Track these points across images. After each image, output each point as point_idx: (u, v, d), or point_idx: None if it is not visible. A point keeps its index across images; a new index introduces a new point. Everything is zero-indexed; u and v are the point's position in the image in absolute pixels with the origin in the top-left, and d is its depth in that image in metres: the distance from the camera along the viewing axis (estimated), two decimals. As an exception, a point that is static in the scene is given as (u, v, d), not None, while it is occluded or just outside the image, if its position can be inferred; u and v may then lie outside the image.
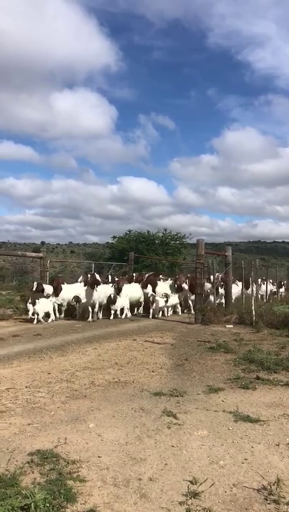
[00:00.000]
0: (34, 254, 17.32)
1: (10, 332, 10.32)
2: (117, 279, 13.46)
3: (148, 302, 14.32)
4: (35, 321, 12.06)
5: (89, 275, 13.18)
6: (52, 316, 12.63)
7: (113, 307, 13.19)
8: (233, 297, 14.76)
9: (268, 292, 17.09)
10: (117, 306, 13.25)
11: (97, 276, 12.90)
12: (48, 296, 12.91)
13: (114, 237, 29.74)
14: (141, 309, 15.04)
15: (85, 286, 12.96)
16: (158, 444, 3.80)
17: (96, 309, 13.09)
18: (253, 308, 11.78)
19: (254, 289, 14.36)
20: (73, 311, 13.55)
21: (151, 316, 13.55)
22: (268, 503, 2.86)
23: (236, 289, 15.32)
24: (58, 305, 13.22)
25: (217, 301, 14.18)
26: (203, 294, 13.21)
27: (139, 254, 23.10)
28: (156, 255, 26.20)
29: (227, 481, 3.14)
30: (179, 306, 15.02)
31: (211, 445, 3.79)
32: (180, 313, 14.96)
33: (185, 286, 14.73)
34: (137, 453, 3.60)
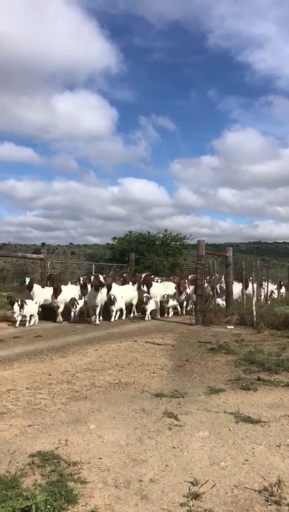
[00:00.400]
0: (35, 256, 17.31)
1: (10, 333, 10.33)
2: (103, 278, 12.92)
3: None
4: (18, 323, 11.54)
5: (92, 277, 12.92)
6: (36, 318, 12.19)
7: (112, 308, 13.04)
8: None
9: (267, 293, 17.06)
10: (116, 307, 13.10)
11: (101, 278, 12.64)
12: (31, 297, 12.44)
13: (114, 238, 29.75)
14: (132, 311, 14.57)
15: (81, 288, 12.72)
16: (159, 445, 3.79)
17: (98, 311, 12.76)
18: (253, 309, 11.78)
19: (255, 289, 14.34)
20: (49, 313, 13.05)
21: (146, 318, 13.37)
22: (269, 504, 2.85)
23: (235, 289, 15.15)
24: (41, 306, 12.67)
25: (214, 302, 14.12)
26: (203, 295, 13.18)
27: (140, 255, 23.09)
28: (157, 256, 26.20)
29: (228, 482, 3.14)
30: (178, 307, 14.90)
31: (212, 446, 3.78)
32: (180, 313, 14.88)
33: (188, 288, 14.64)
34: (137, 454, 3.59)
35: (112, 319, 13.03)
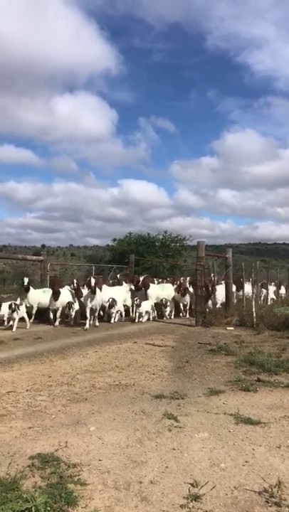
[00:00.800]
0: (34, 258, 17.32)
1: (10, 335, 10.32)
2: (92, 279, 12.36)
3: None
4: (6, 323, 11.37)
5: (92, 279, 12.61)
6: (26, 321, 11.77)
7: (112, 311, 12.98)
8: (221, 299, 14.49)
9: (268, 294, 17.07)
10: (116, 309, 13.00)
11: (92, 281, 12.21)
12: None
13: (114, 240, 29.76)
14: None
15: (75, 291, 12.46)
16: (159, 446, 3.79)
17: (88, 314, 12.23)
18: (253, 310, 11.78)
19: (254, 290, 14.34)
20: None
21: (137, 320, 13.11)
22: (269, 506, 2.85)
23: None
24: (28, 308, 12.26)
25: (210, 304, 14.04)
26: (203, 296, 13.18)
27: (140, 256, 23.09)
28: (157, 258, 26.20)
29: (228, 484, 3.13)
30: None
31: (211, 447, 3.78)
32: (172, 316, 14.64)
33: (190, 289, 14.54)
34: (137, 456, 3.59)
35: (112, 321, 12.94)
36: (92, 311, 12.30)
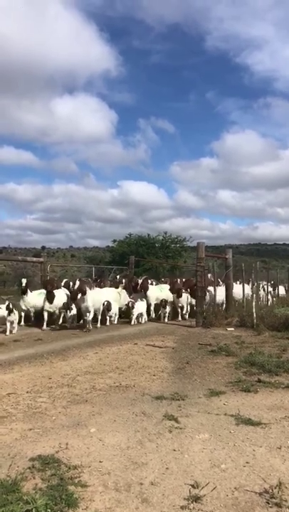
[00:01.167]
0: (35, 259, 17.32)
1: (10, 337, 10.32)
2: (78, 281, 12.03)
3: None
4: (8, 331, 10.76)
5: (78, 281, 12.13)
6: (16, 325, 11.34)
7: (108, 314, 12.66)
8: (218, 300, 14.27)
9: (267, 294, 17.04)
10: (112, 312, 12.74)
11: (78, 283, 11.77)
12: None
13: (114, 241, 29.83)
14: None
15: (70, 293, 12.07)
16: (159, 448, 3.79)
17: (90, 317, 11.85)
18: (253, 310, 11.77)
19: (253, 291, 14.34)
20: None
21: (133, 322, 12.70)
22: (270, 507, 2.85)
23: (221, 291, 14.57)
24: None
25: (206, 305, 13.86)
26: (204, 297, 13.18)
27: (140, 257, 23.11)
28: (157, 259, 26.23)
29: (229, 485, 3.13)
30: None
31: (212, 448, 3.78)
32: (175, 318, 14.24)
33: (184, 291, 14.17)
34: (138, 457, 3.59)
35: (108, 323, 12.63)
36: (84, 313, 11.82)
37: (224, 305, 14.18)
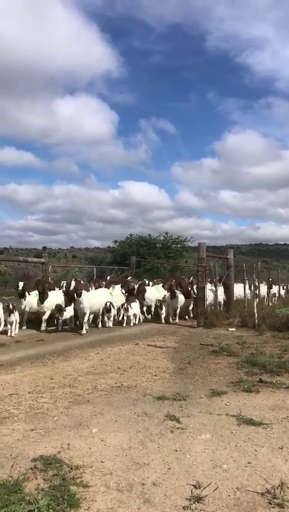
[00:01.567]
0: (36, 260, 17.33)
1: (12, 338, 10.32)
2: (73, 282, 11.34)
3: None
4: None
5: (73, 281, 11.40)
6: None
7: (107, 315, 12.18)
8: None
9: (269, 293, 17.06)
10: (111, 314, 12.29)
11: (73, 284, 11.10)
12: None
13: (115, 242, 29.86)
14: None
15: (64, 294, 11.46)
16: (161, 448, 3.79)
17: (85, 319, 11.34)
18: (255, 311, 11.77)
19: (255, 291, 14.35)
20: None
21: (124, 324, 12.36)
22: (272, 507, 2.85)
23: (219, 291, 14.32)
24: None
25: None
26: (205, 297, 13.18)
27: (141, 258, 23.12)
28: (158, 259, 26.23)
29: (231, 485, 3.13)
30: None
31: (214, 449, 3.78)
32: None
33: (178, 291, 13.47)
34: (140, 457, 3.59)
35: (108, 325, 12.16)
36: (81, 315, 11.33)
37: (221, 305, 14.14)
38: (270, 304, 15.46)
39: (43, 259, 15.77)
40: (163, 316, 13.39)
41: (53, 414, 4.70)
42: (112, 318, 12.43)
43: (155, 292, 14.29)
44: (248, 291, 14.86)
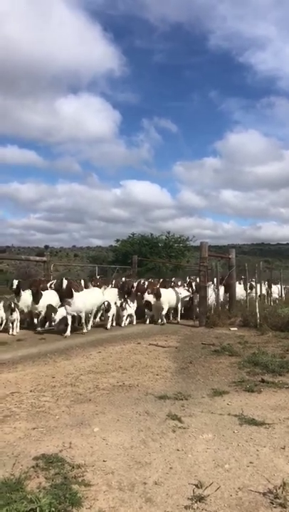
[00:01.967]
0: (38, 258, 17.38)
1: (14, 336, 10.33)
2: (65, 281, 10.80)
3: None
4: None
5: (64, 280, 10.85)
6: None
7: (107, 315, 11.78)
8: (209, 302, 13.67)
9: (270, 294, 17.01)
10: (110, 314, 11.80)
11: (65, 282, 10.61)
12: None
13: (117, 241, 29.85)
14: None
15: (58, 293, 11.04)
16: (163, 447, 3.79)
17: (83, 320, 10.95)
18: (257, 310, 11.76)
19: (257, 291, 14.32)
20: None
21: (108, 326, 11.65)
22: (274, 507, 2.84)
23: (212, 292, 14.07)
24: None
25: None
26: (206, 297, 13.16)
27: (143, 257, 23.10)
28: (160, 258, 26.22)
29: (232, 485, 3.13)
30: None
31: (216, 448, 3.77)
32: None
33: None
34: (141, 457, 3.59)
35: (108, 326, 11.68)
36: (74, 316, 10.89)
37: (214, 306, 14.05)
38: (272, 304, 15.42)
39: (44, 258, 15.80)
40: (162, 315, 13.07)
41: (55, 413, 4.70)
42: (110, 319, 11.89)
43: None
44: (249, 290, 14.83)
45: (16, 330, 10.76)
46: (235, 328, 11.57)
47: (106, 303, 11.79)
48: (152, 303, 12.81)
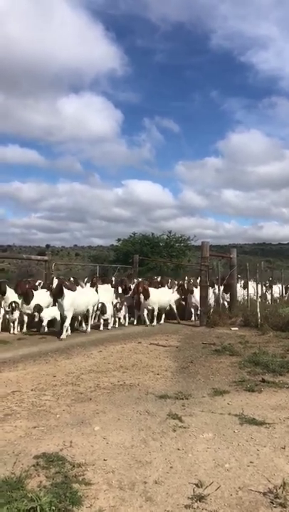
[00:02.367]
0: (39, 257, 17.34)
1: (15, 335, 10.35)
2: (56, 280, 10.29)
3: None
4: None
5: (55, 279, 10.36)
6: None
7: (103, 317, 11.45)
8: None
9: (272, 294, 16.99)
10: (108, 315, 11.49)
11: (55, 281, 10.13)
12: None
13: (119, 240, 29.83)
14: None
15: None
16: (163, 447, 3.79)
17: (67, 323, 10.17)
18: (258, 310, 11.75)
19: (258, 291, 14.30)
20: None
21: (101, 328, 11.32)
22: (274, 507, 2.84)
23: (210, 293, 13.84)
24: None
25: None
26: (207, 297, 13.16)
27: (144, 256, 23.08)
28: (161, 258, 26.21)
29: (233, 484, 3.13)
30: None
31: (216, 448, 3.78)
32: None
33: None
34: (142, 456, 3.59)
35: (102, 327, 11.36)
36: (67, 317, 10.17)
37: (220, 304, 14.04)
38: (271, 303, 15.42)
39: (46, 257, 15.77)
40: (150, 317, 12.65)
41: (56, 412, 4.71)
42: (107, 320, 11.52)
43: (158, 294, 13.80)
44: (250, 290, 14.81)
45: (17, 329, 10.77)
46: (236, 328, 11.57)
47: (100, 305, 11.36)
48: (141, 302, 12.31)
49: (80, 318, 11.41)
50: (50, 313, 10.74)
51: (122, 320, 12.23)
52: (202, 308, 12.83)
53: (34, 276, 17.52)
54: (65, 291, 10.04)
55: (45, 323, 10.76)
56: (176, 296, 13.64)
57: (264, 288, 16.58)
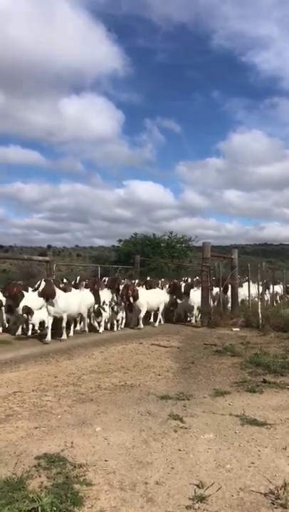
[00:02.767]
0: (40, 258, 17.34)
1: (16, 336, 10.35)
2: (44, 281, 9.78)
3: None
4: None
5: (43, 281, 9.79)
6: None
7: (97, 320, 11.13)
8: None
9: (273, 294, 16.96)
10: (104, 317, 11.11)
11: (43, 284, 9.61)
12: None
13: (120, 241, 29.81)
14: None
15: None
16: (164, 447, 3.79)
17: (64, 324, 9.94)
18: (259, 311, 11.75)
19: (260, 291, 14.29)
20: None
21: (101, 330, 11.03)
22: (275, 508, 2.84)
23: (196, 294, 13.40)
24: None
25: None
26: (209, 297, 13.15)
27: (145, 257, 23.08)
28: (162, 258, 26.20)
29: (234, 485, 3.13)
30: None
31: (217, 449, 3.78)
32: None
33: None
34: (143, 457, 3.60)
35: (101, 330, 11.04)
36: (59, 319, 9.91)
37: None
38: (271, 304, 15.40)
39: (47, 258, 15.77)
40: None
41: (57, 413, 4.72)
42: (102, 323, 11.18)
43: (151, 295, 13.47)
44: (252, 291, 14.80)
45: (18, 330, 10.70)
46: (237, 329, 11.56)
47: (95, 306, 11.12)
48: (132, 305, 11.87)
49: (78, 319, 11.24)
50: (39, 316, 10.37)
51: (119, 321, 11.91)
52: (203, 308, 12.82)
53: (36, 277, 17.49)
54: (58, 291, 9.78)
55: (37, 325, 10.53)
56: (168, 297, 13.39)
57: (260, 288, 16.53)
